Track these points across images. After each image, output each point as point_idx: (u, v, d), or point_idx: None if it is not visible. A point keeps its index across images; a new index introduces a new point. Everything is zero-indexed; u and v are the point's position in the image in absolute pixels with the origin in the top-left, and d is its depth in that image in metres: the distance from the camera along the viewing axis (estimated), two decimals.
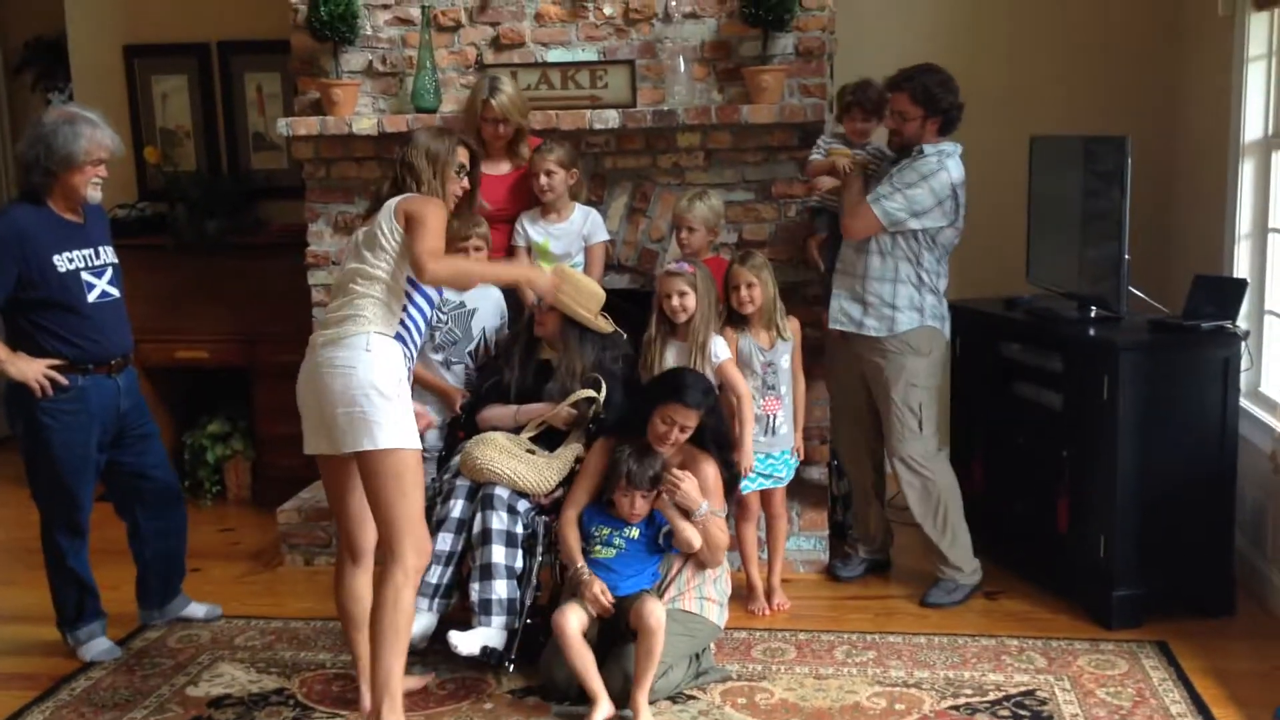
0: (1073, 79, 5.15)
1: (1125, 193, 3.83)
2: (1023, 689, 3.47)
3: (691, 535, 3.48)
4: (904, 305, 3.98)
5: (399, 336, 3.19)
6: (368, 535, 3.29)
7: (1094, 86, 5.11)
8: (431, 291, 3.35)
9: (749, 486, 4.01)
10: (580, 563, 3.51)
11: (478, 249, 4.16)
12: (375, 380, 3.04)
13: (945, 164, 3.90)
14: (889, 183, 3.91)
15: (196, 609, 4.14)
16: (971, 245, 4.61)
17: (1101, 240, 4.01)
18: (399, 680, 3.07)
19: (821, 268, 4.33)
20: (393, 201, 3.17)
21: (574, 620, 3.37)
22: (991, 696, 3.43)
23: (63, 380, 3.62)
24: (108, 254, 3.77)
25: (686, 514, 3.50)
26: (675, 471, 3.51)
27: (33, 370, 3.58)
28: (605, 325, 3.91)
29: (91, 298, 3.67)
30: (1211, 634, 3.79)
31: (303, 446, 3.27)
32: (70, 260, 3.63)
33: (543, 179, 4.17)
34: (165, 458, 4.06)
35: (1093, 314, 4.07)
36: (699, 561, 3.59)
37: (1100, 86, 5.11)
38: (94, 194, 3.68)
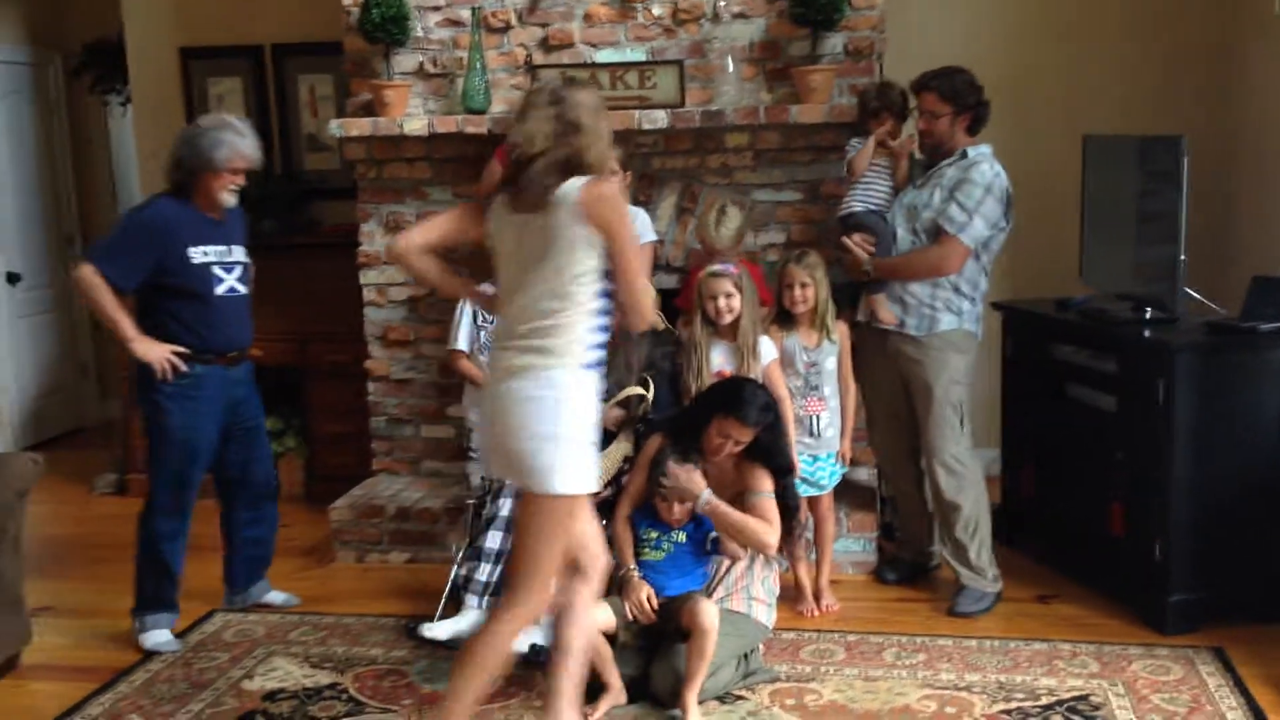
0: (1127, 78, 5.08)
1: (1182, 192, 3.78)
2: (1076, 694, 3.43)
3: (736, 547, 3.48)
4: (941, 307, 3.96)
5: (595, 363, 2.83)
6: (589, 552, 3.02)
7: (1148, 85, 5.05)
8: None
9: (806, 491, 4.00)
10: (630, 564, 3.52)
11: None
12: (567, 420, 2.76)
13: (997, 168, 3.90)
14: (955, 204, 3.87)
15: (275, 596, 4.25)
16: (1023, 245, 4.59)
17: (1157, 241, 3.96)
18: (463, 709, 2.88)
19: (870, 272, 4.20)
20: (574, 194, 2.72)
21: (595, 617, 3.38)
22: (1044, 701, 3.40)
23: (183, 366, 3.78)
24: (240, 253, 3.94)
25: (690, 506, 3.48)
26: (671, 466, 3.48)
27: (156, 353, 3.76)
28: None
29: (220, 291, 3.85)
30: (1269, 640, 3.73)
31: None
32: (205, 253, 3.81)
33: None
34: (269, 452, 4.22)
35: (1148, 315, 4.02)
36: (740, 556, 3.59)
37: (1155, 85, 5.04)
38: (228, 199, 3.85)
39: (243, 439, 4.03)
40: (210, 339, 3.85)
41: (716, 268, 3.91)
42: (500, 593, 3.73)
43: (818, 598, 4.10)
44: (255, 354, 5.37)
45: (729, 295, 3.85)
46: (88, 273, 3.72)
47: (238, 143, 3.79)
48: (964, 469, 4.01)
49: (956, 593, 4.07)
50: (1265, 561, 3.85)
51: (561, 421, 2.76)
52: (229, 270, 3.88)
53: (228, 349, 3.90)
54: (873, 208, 4.07)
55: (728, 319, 3.87)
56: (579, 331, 2.77)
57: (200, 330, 3.82)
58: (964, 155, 3.94)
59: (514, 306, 2.83)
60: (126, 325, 3.77)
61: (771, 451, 3.56)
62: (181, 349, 3.79)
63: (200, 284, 3.81)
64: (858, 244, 4.01)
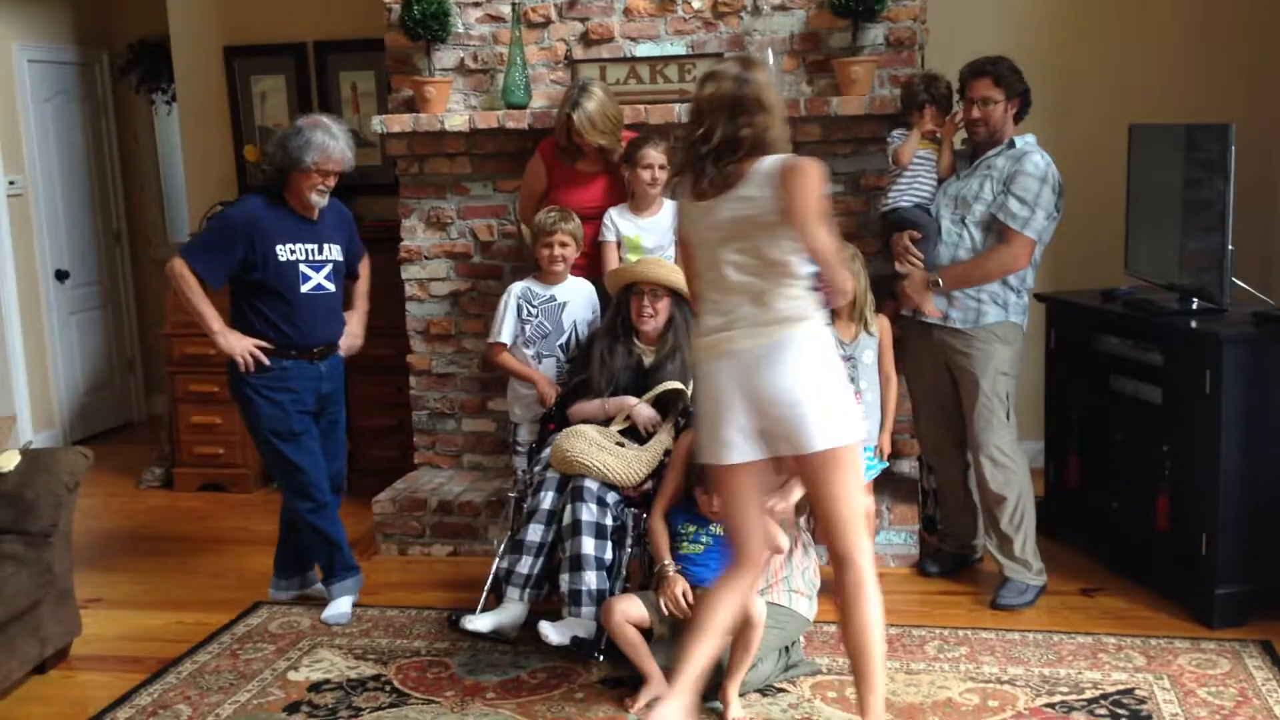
0: (1172, 66, 5.02)
1: (1229, 182, 3.73)
2: (1121, 687, 3.41)
3: (781, 539, 3.47)
4: (988, 300, 3.95)
5: (826, 319, 2.96)
6: (759, 543, 3.08)
7: (1194, 73, 4.99)
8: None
9: None
10: (666, 559, 3.52)
11: (564, 244, 4.19)
12: (825, 378, 2.85)
13: (1048, 158, 3.88)
14: (1014, 199, 3.84)
15: (336, 607, 4.11)
16: (1068, 236, 4.53)
17: (1203, 231, 3.91)
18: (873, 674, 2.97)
19: (922, 266, 4.07)
20: (771, 168, 2.79)
21: (618, 610, 3.40)
22: (1088, 695, 3.37)
23: (265, 361, 3.89)
24: (333, 251, 4.02)
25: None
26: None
27: (240, 346, 3.90)
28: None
29: (305, 289, 3.94)
30: None
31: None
32: (292, 251, 3.91)
33: (657, 171, 4.16)
34: (344, 447, 4.27)
35: (1194, 306, 3.97)
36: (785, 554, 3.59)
37: (1201, 73, 4.98)
38: (317, 199, 3.92)
39: (323, 431, 4.11)
40: (294, 335, 3.94)
41: None
42: (541, 586, 3.75)
43: None
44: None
45: None
46: (178, 266, 3.86)
47: (328, 144, 3.85)
48: (1010, 461, 3.99)
49: (1000, 585, 4.05)
50: None
51: (821, 381, 2.83)
52: (317, 268, 3.96)
53: (312, 344, 4.00)
54: (918, 201, 4.04)
55: None
56: (803, 295, 2.85)
57: (284, 327, 3.93)
58: (1012, 145, 3.91)
59: (728, 292, 2.88)
60: (212, 317, 3.89)
61: None
62: (265, 344, 3.89)
63: (285, 281, 3.91)
64: (908, 256, 4.01)
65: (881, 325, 4.03)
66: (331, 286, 4.03)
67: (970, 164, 4.02)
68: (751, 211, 2.80)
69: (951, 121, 4.07)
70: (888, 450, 4.12)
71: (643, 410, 3.85)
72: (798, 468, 2.96)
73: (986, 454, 4.00)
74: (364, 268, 4.25)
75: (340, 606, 4.07)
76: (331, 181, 3.92)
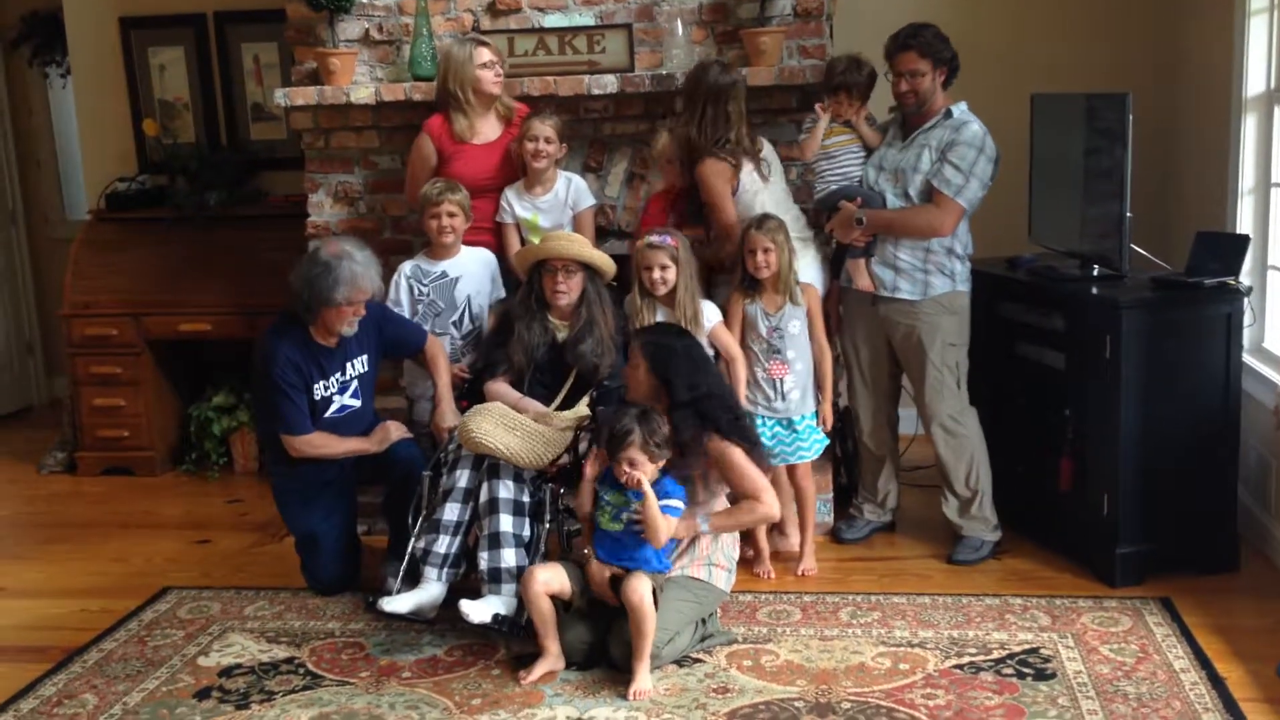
0: (1074, 35, 5.10)
1: (1127, 150, 3.81)
2: (1027, 647, 3.49)
3: (658, 530, 3.35)
4: (935, 270, 4.00)
5: None
6: None
7: (1095, 43, 5.07)
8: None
9: (788, 459, 4.04)
10: (587, 549, 3.50)
11: (451, 215, 4.13)
12: None
13: (984, 127, 3.94)
14: (949, 166, 3.90)
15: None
16: None
17: (1103, 198, 3.99)
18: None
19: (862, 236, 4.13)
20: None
21: (540, 577, 3.38)
22: (995, 655, 3.45)
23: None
24: (357, 365, 4.02)
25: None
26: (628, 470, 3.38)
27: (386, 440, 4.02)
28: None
29: (329, 413, 3.99)
30: (1215, 590, 3.80)
31: None
32: (324, 388, 3.96)
33: (541, 144, 4.12)
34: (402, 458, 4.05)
35: (1095, 272, 4.05)
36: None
37: (1102, 42, 5.07)
38: (348, 330, 3.92)
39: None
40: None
41: (654, 239, 3.89)
42: (459, 564, 3.72)
43: (761, 558, 4.10)
44: (204, 328, 5.37)
45: (664, 267, 3.86)
46: (299, 442, 3.91)
47: (358, 278, 3.81)
48: (962, 428, 4.08)
49: (956, 542, 4.15)
50: (1210, 513, 3.91)
51: None
52: (343, 390, 3.99)
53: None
54: (850, 182, 4.11)
55: (662, 290, 3.88)
56: None
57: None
58: (949, 115, 3.95)
59: None
60: (361, 443, 3.99)
61: (673, 388, 3.46)
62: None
63: (315, 411, 3.94)
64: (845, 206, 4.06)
65: (810, 295, 4.05)
66: (356, 403, 4.03)
67: (901, 131, 4.06)
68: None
69: (856, 109, 4.11)
70: (830, 421, 4.14)
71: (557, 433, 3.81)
72: None
73: (939, 423, 4.07)
74: (431, 348, 4.12)
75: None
76: (361, 310, 3.89)
